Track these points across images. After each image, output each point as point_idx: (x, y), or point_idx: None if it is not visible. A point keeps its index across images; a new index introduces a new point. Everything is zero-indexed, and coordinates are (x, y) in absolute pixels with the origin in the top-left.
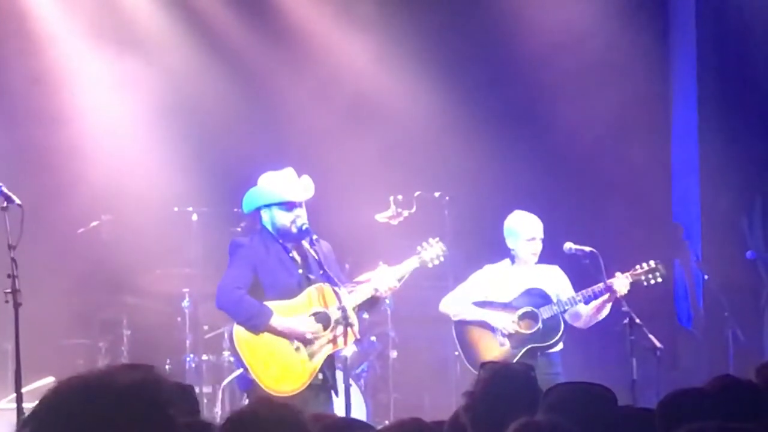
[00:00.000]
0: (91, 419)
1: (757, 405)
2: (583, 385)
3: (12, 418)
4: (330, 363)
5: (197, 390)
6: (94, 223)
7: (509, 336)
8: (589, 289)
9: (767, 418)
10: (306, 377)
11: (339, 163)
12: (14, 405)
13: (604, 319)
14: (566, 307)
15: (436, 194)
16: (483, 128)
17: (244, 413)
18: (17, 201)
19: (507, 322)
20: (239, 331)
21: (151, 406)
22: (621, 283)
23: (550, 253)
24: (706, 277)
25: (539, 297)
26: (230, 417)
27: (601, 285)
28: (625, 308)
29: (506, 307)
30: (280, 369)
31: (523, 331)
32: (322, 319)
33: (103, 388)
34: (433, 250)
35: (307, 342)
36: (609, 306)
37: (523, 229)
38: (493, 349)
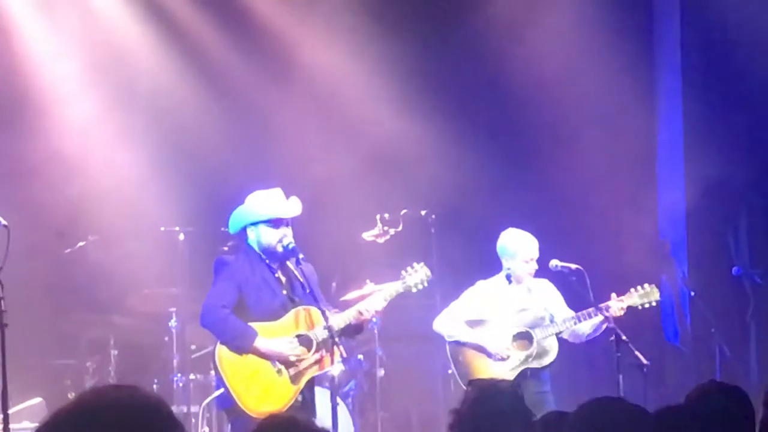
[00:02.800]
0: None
1: (743, 415)
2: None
3: None
4: (310, 385)
5: (185, 410)
6: (81, 244)
7: (509, 359)
8: (584, 312)
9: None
10: (287, 399)
11: (326, 183)
12: (0, 426)
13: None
14: (561, 329)
15: (422, 212)
16: (468, 147)
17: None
18: (3, 222)
19: (501, 347)
20: (222, 351)
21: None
22: (617, 305)
23: (536, 270)
24: (692, 293)
25: (534, 317)
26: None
27: (597, 309)
28: (611, 325)
29: (500, 326)
30: (262, 390)
31: (517, 352)
32: (305, 341)
33: (110, 400)
34: (417, 275)
35: (289, 365)
36: (605, 325)
37: (521, 249)
38: (487, 369)
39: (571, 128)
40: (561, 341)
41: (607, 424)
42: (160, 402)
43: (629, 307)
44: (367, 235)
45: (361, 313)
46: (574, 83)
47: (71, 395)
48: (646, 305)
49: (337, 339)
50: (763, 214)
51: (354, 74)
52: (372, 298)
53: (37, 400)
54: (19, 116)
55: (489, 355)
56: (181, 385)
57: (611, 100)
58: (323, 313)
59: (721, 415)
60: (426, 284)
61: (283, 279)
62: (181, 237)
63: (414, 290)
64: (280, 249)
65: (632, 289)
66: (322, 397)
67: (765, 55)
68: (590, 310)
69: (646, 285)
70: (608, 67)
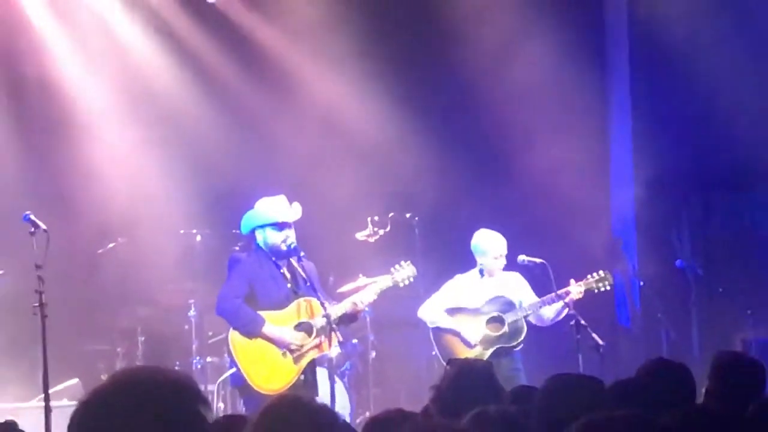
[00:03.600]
0: (141, 409)
1: (687, 387)
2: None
3: (40, 415)
4: (312, 366)
5: (203, 388)
6: (111, 245)
7: (482, 340)
8: (547, 296)
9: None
10: (290, 378)
11: (324, 189)
12: (42, 403)
13: (554, 323)
14: (528, 313)
15: (407, 215)
16: (446, 159)
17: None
18: (43, 226)
19: (475, 333)
20: (234, 336)
21: (187, 397)
22: (576, 289)
23: (506, 264)
24: (641, 283)
25: (504, 304)
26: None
27: (560, 291)
28: (572, 311)
29: (476, 312)
30: (268, 370)
31: (490, 333)
32: (306, 328)
33: (160, 382)
34: (404, 272)
35: (291, 348)
36: (566, 310)
37: (491, 248)
38: (465, 351)
39: (534, 138)
40: (530, 326)
41: (569, 395)
42: (189, 379)
43: (587, 292)
44: (360, 235)
45: (355, 304)
46: (537, 98)
47: (103, 376)
48: (602, 289)
49: (334, 326)
50: (702, 213)
51: (348, 97)
52: (364, 291)
53: (74, 380)
54: (61, 135)
55: (466, 342)
56: (199, 366)
57: (569, 110)
58: (322, 303)
59: (667, 387)
60: (412, 280)
61: (288, 274)
62: (198, 238)
63: (401, 285)
64: (284, 248)
65: (589, 276)
66: (322, 376)
67: (706, 66)
68: (552, 295)
69: (600, 271)
70: (565, 80)
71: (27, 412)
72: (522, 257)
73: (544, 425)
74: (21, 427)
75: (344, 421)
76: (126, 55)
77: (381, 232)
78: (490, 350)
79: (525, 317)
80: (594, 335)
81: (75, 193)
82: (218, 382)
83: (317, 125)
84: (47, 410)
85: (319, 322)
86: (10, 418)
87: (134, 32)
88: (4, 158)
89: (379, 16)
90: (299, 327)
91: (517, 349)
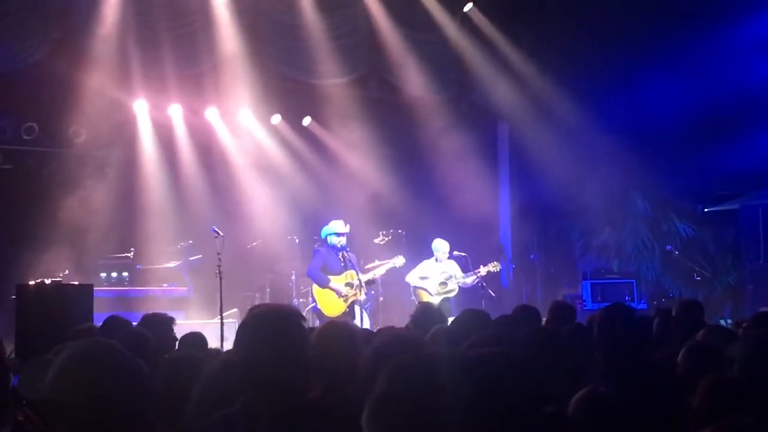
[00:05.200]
0: (274, 325)
1: (535, 318)
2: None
3: (217, 327)
4: (352, 304)
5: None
6: (254, 243)
7: (436, 293)
8: (468, 273)
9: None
10: (342, 308)
11: (357, 216)
12: (219, 322)
13: (471, 286)
14: (459, 281)
15: (400, 231)
16: (416, 197)
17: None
18: (221, 233)
19: (433, 289)
20: (315, 287)
21: (295, 318)
22: (484, 270)
23: (448, 256)
24: (513, 266)
25: (448, 275)
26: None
27: (473, 272)
28: (480, 280)
29: (434, 279)
30: (331, 305)
31: (440, 290)
32: (350, 286)
33: (278, 309)
34: (399, 261)
35: (342, 294)
36: (477, 279)
37: (442, 247)
38: (429, 297)
39: (460, 187)
40: (459, 288)
41: (470, 320)
42: (294, 308)
43: (488, 272)
44: (376, 240)
45: (374, 275)
46: (463, 164)
47: (249, 308)
48: (494, 270)
49: (363, 285)
50: (543, 229)
51: (366, 167)
52: (378, 269)
53: (234, 309)
54: (229, 183)
55: (429, 292)
56: (295, 303)
57: (479, 173)
58: (357, 273)
59: (524, 318)
60: (402, 265)
61: (342, 259)
62: (296, 241)
63: (397, 267)
64: (339, 245)
65: (490, 264)
66: (357, 309)
67: (548, 155)
68: (470, 273)
69: (495, 262)
70: (479, 158)
71: (210, 326)
72: (455, 252)
73: (460, 335)
74: (205, 335)
75: (365, 331)
76: (260, 147)
77: (387, 239)
78: (440, 297)
79: (457, 283)
80: (490, 291)
81: (237, 216)
82: (306, 310)
83: (352, 181)
84: (222, 325)
85: (356, 283)
86: (198, 330)
87: (265, 137)
88: (206, 197)
89: (380, 124)
90: (347, 285)
91: (452, 296)
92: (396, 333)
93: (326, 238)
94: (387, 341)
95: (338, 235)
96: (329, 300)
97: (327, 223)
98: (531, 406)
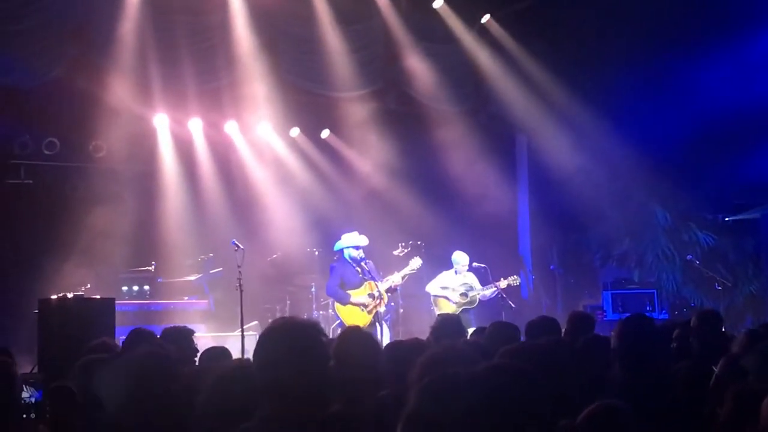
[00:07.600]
0: (288, 339)
1: (555, 328)
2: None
3: (238, 340)
4: (375, 315)
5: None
6: (274, 256)
7: (456, 303)
8: (488, 285)
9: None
10: (367, 321)
11: (375, 229)
12: (240, 335)
13: (489, 299)
14: (478, 293)
15: (419, 242)
16: (432, 210)
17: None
18: (241, 246)
19: (454, 299)
20: (337, 304)
21: (315, 331)
22: (503, 283)
23: (468, 268)
24: (533, 277)
25: (467, 287)
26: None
27: (494, 284)
28: (500, 292)
29: (454, 290)
30: (355, 318)
31: (461, 300)
32: (372, 296)
33: (291, 322)
34: (415, 263)
35: (365, 307)
36: (496, 292)
37: (461, 260)
38: (449, 308)
39: (479, 201)
40: (479, 300)
41: (497, 331)
42: (315, 322)
43: (507, 285)
44: (395, 252)
45: (393, 282)
46: (482, 181)
47: (270, 320)
48: (513, 284)
49: (384, 295)
50: (569, 243)
51: (384, 182)
52: (395, 276)
53: (255, 322)
54: (250, 201)
55: (450, 300)
56: (315, 315)
57: (499, 188)
58: (377, 284)
59: (544, 328)
60: (419, 267)
61: (360, 271)
62: (316, 253)
63: (415, 269)
64: (358, 258)
65: (510, 277)
66: (376, 321)
67: (568, 174)
68: (490, 285)
69: (515, 276)
70: (498, 174)
71: (231, 339)
72: (475, 264)
73: (490, 347)
74: (227, 346)
75: (383, 344)
76: (279, 160)
77: (405, 251)
78: (460, 309)
79: (476, 294)
80: (510, 302)
81: (257, 229)
82: (331, 328)
83: (370, 193)
84: (243, 338)
85: (377, 293)
86: (221, 344)
87: (284, 150)
88: (226, 211)
89: (398, 135)
90: (369, 296)
91: (472, 308)
92: (448, 345)
93: (342, 251)
94: (439, 353)
95: (356, 248)
96: (353, 315)
97: (340, 238)
98: (539, 422)
